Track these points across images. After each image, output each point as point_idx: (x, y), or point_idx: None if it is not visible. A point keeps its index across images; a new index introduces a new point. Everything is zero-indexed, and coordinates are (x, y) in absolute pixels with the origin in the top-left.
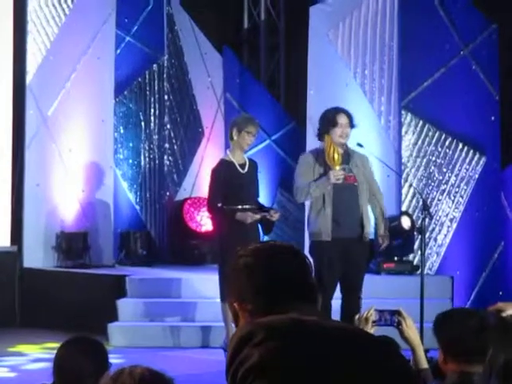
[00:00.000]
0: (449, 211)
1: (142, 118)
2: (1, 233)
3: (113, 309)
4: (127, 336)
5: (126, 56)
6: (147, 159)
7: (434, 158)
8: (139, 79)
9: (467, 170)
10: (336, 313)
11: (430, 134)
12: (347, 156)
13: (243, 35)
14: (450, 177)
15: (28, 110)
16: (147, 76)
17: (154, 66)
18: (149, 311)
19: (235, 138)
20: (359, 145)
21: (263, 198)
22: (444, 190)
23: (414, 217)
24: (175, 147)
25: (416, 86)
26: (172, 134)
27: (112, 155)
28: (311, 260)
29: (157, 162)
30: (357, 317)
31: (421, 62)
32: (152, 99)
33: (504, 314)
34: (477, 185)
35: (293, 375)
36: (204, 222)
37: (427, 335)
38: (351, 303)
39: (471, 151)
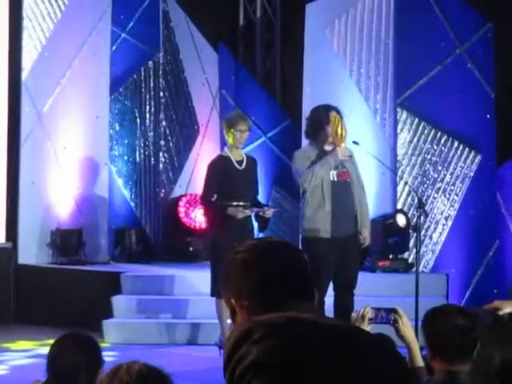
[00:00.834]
0: (444, 209)
1: (137, 114)
2: None
3: (108, 305)
4: (122, 333)
5: (121, 53)
6: (142, 156)
7: (429, 156)
8: (135, 76)
9: (462, 167)
10: (328, 310)
11: (426, 131)
12: None
13: (239, 32)
14: (445, 175)
15: (23, 108)
16: (143, 73)
17: (150, 62)
18: (144, 308)
19: (228, 138)
20: (355, 142)
21: (259, 195)
22: (439, 188)
23: (409, 215)
24: (170, 144)
25: (411, 84)
26: (167, 131)
27: (107, 152)
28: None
29: (152, 158)
30: (353, 314)
31: (416, 60)
32: (147, 96)
33: (501, 313)
34: (472, 183)
35: (291, 372)
36: (199, 219)
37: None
38: (346, 301)
39: (466, 149)
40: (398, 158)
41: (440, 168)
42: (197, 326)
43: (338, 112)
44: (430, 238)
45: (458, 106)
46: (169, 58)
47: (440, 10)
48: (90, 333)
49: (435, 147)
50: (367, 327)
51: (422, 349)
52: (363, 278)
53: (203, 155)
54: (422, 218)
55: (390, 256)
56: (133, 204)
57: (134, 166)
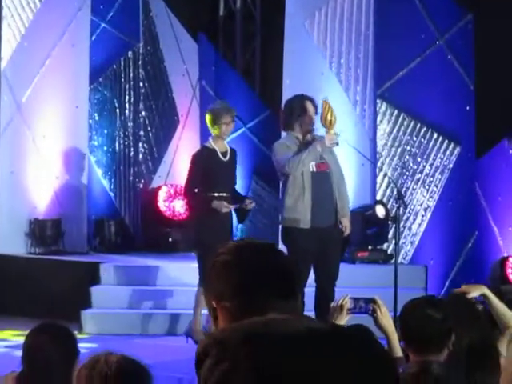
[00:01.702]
0: (423, 200)
1: (116, 105)
2: None
3: (86, 296)
4: (101, 323)
5: (101, 43)
6: (122, 146)
7: (408, 148)
8: (114, 66)
9: (442, 159)
10: (309, 301)
11: (405, 123)
12: None
13: (219, 23)
14: (424, 166)
15: (2, 97)
16: (122, 63)
17: (130, 52)
18: (122, 298)
19: (214, 131)
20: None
21: (238, 186)
22: (418, 180)
23: (389, 206)
24: (150, 134)
25: (391, 76)
26: (147, 122)
27: (86, 142)
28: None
29: (131, 149)
30: (332, 304)
31: (396, 52)
32: (127, 86)
33: (470, 296)
34: (451, 174)
35: None
36: (178, 209)
37: None
38: (327, 292)
39: (446, 141)
40: (378, 150)
41: (419, 159)
42: (176, 316)
43: (313, 102)
44: (409, 229)
45: (437, 97)
46: (148, 48)
47: (420, 2)
48: (68, 323)
49: (415, 138)
50: (346, 317)
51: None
52: (342, 268)
53: (183, 146)
54: (402, 209)
55: (369, 247)
56: (112, 194)
57: (113, 156)
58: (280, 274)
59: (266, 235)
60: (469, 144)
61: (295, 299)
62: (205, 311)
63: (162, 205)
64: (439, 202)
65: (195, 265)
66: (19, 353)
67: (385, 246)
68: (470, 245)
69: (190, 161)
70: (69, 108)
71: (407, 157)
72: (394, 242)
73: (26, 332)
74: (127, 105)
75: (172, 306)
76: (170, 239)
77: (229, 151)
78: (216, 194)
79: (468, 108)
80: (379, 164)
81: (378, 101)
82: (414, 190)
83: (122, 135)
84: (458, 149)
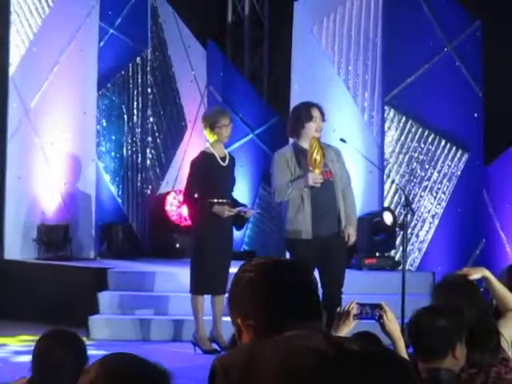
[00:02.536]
0: (431, 207)
1: (124, 110)
2: None
3: (94, 302)
4: (108, 329)
5: (109, 48)
6: (130, 152)
7: (416, 154)
8: (122, 72)
9: (449, 166)
10: None
11: (413, 130)
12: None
13: (227, 29)
14: (432, 173)
15: (11, 103)
16: (130, 69)
17: (138, 58)
18: (130, 304)
19: (214, 136)
20: (342, 140)
21: (246, 192)
22: (426, 187)
23: (396, 213)
24: (158, 140)
25: (399, 82)
26: (155, 128)
27: (94, 148)
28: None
29: (139, 155)
30: (338, 310)
31: (404, 58)
32: (135, 92)
33: (471, 278)
34: (459, 181)
35: None
36: (186, 215)
37: None
38: (334, 299)
39: (454, 148)
40: (386, 156)
41: (427, 166)
42: (183, 322)
43: (320, 109)
44: (417, 236)
45: (445, 104)
46: (157, 54)
47: (428, 8)
48: (75, 329)
49: (422, 145)
50: (352, 323)
51: (407, 347)
52: (349, 275)
53: (191, 152)
54: (409, 216)
55: (377, 254)
56: (120, 200)
57: (121, 162)
58: (305, 293)
59: (273, 242)
60: (477, 151)
61: (319, 319)
62: (206, 317)
63: (169, 211)
64: (447, 209)
65: None
66: (28, 358)
67: (392, 252)
68: (477, 252)
69: (189, 166)
70: (77, 114)
71: (415, 164)
72: (401, 248)
73: (35, 337)
74: (135, 111)
75: (179, 312)
76: (178, 245)
77: (227, 156)
78: (216, 201)
79: (476, 115)
80: (387, 171)
81: (385, 107)
82: (421, 196)
83: (129, 141)
84: (465, 156)
